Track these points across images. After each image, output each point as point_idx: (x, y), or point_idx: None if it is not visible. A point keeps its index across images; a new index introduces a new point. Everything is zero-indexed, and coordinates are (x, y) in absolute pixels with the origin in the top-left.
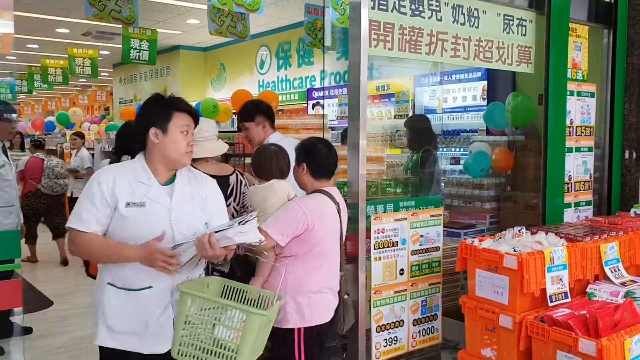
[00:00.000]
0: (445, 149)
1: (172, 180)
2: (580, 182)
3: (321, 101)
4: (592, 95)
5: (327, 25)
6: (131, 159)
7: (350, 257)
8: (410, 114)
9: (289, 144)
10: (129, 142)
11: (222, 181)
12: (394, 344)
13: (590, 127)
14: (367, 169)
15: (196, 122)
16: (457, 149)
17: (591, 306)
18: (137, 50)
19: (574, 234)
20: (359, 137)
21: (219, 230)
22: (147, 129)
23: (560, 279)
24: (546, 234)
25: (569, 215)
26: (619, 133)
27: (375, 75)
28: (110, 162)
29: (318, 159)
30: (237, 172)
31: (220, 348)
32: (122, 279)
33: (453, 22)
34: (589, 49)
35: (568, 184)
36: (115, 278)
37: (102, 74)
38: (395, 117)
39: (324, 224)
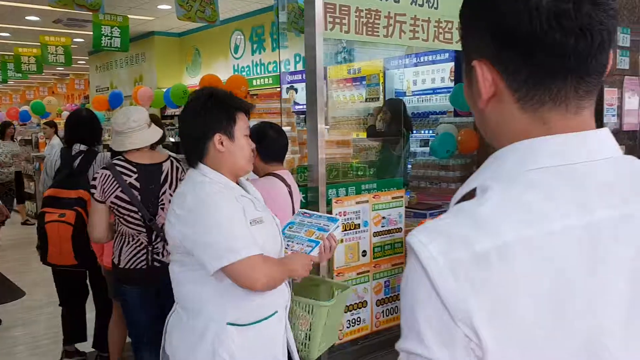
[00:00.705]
0: (415, 132)
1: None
2: None
3: (295, 85)
4: None
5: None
6: (86, 149)
7: None
8: (381, 97)
9: None
10: (84, 131)
11: (155, 168)
12: (358, 324)
13: None
14: (333, 152)
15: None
16: (426, 131)
17: None
18: (109, 37)
19: None
20: (317, 121)
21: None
22: (209, 136)
23: None
24: None
25: None
26: None
27: (347, 58)
28: (61, 153)
29: (267, 143)
30: (171, 158)
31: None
32: (248, 312)
33: (411, 4)
34: None
35: None
36: (240, 314)
37: (79, 62)
38: (366, 100)
39: (276, 205)
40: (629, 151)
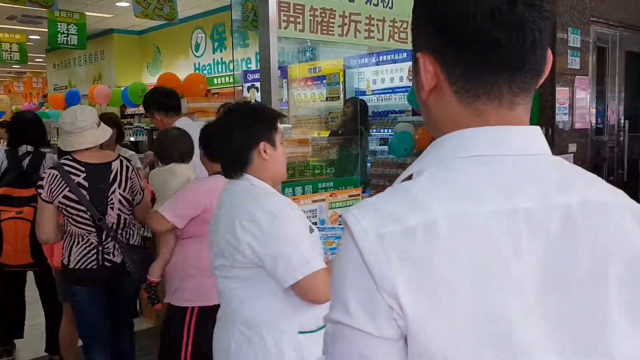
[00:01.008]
0: (374, 130)
1: None
2: None
3: (256, 84)
4: None
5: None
6: (32, 149)
7: None
8: (342, 96)
9: (198, 127)
10: (31, 133)
11: (104, 168)
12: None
13: None
14: (292, 151)
15: None
16: (386, 130)
17: None
18: (65, 35)
19: None
20: None
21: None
22: (254, 145)
23: None
24: None
25: None
26: (535, 110)
27: (309, 56)
28: (7, 154)
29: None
30: (121, 157)
31: None
32: (313, 318)
33: (366, 3)
34: None
35: None
36: (308, 321)
37: (36, 59)
38: (327, 100)
39: None
40: (579, 149)
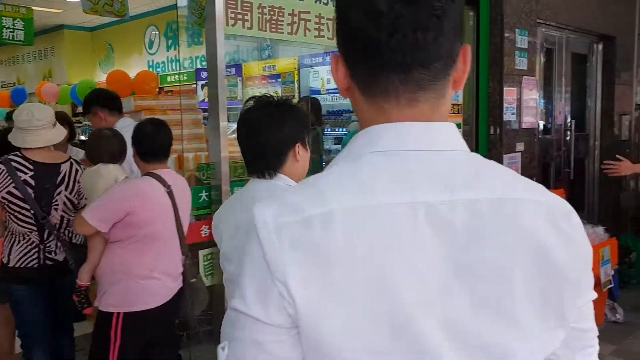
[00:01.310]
0: (329, 129)
1: None
2: None
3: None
4: None
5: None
6: None
7: (212, 241)
8: (297, 95)
9: None
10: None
11: (53, 168)
12: None
13: (458, 105)
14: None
15: None
16: (340, 129)
17: None
18: (11, 30)
19: None
20: (219, 118)
21: None
22: (291, 145)
23: None
24: None
25: None
26: (484, 110)
27: (264, 55)
28: None
29: (145, 141)
30: (72, 160)
31: None
32: None
33: (315, 2)
34: None
35: None
36: None
37: None
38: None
39: (148, 207)
40: (527, 147)
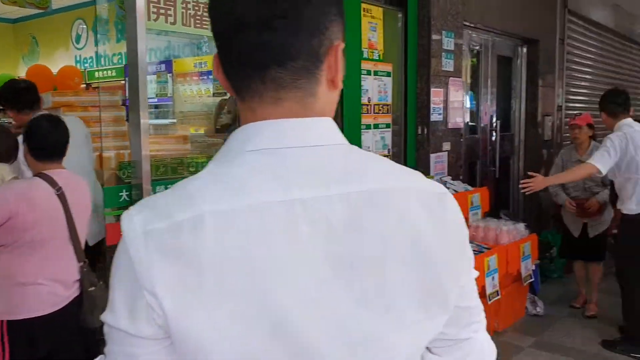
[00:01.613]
0: None
1: None
2: None
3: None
4: (388, 74)
5: None
6: None
7: None
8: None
9: (75, 121)
10: None
11: None
12: None
13: (387, 105)
14: (170, 148)
15: None
16: None
17: None
18: None
19: None
20: (140, 116)
21: None
22: None
23: None
24: None
25: None
26: (412, 110)
27: (205, 51)
28: None
29: (37, 138)
30: None
31: None
32: None
33: None
34: (385, 31)
35: None
36: None
37: None
38: (214, 95)
39: (34, 210)
40: (453, 147)
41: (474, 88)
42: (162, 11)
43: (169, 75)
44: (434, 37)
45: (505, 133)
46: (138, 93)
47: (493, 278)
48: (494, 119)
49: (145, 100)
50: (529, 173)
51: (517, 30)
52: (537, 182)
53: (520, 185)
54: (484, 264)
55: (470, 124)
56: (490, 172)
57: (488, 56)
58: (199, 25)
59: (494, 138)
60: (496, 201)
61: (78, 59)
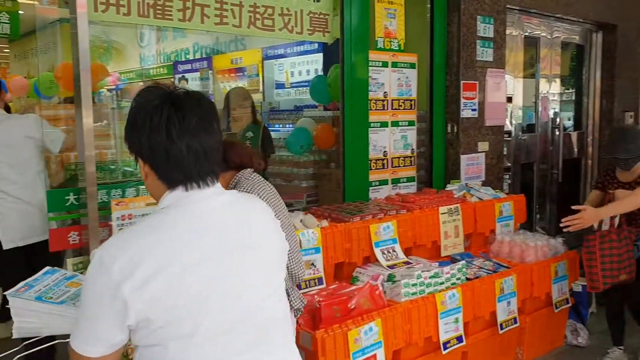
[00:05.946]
0: (290, 125)
1: None
2: (399, 157)
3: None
4: (412, 66)
5: None
6: None
7: (83, 249)
8: (261, 88)
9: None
10: None
11: None
12: None
13: (411, 100)
14: None
15: None
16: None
17: (346, 291)
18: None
19: (341, 214)
20: (82, 115)
21: None
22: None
23: (313, 264)
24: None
25: (385, 193)
26: (439, 106)
27: (232, 47)
28: None
29: None
30: None
31: None
32: None
33: None
34: (408, 18)
35: (383, 160)
36: None
37: None
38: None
39: None
40: (492, 147)
41: (530, 80)
42: (112, 2)
43: (210, 72)
44: (465, 22)
45: (573, 131)
46: (80, 90)
47: (509, 303)
48: (557, 116)
49: (88, 99)
50: (574, 207)
51: (583, 15)
52: (586, 216)
53: (561, 224)
54: (494, 286)
55: (525, 122)
56: (551, 176)
57: (549, 44)
58: (159, 16)
59: (556, 137)
60: (558, 210)
61: None
